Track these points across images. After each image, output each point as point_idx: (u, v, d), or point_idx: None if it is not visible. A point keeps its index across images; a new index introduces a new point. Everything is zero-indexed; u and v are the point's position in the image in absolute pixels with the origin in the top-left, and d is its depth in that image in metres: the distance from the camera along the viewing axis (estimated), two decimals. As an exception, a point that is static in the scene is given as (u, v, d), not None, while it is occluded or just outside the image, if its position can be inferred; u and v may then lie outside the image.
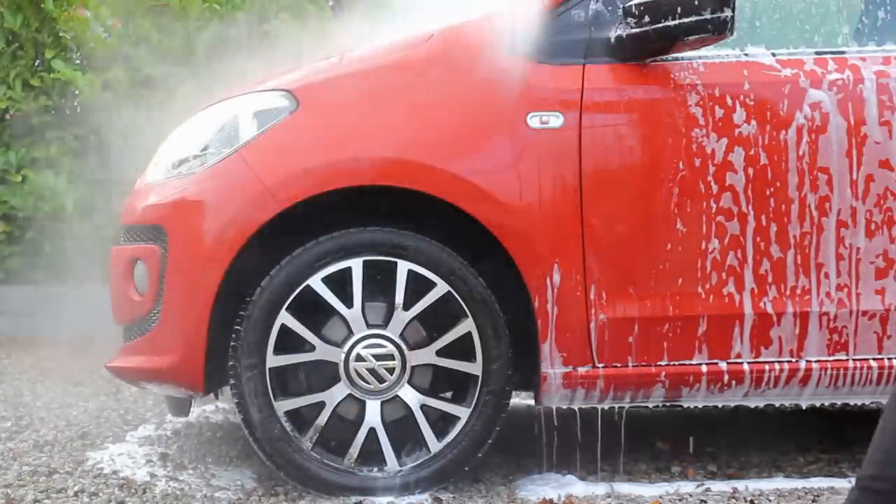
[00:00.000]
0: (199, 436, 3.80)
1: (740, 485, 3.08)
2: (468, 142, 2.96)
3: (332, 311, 2.95)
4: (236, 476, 3.24)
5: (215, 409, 4.25)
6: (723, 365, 2.99)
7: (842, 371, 3.00)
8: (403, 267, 2.94)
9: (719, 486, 3.08)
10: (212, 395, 3.29)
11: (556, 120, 2.97)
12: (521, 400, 3.97)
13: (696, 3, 2.86)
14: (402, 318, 2.95)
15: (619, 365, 2.99)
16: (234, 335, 2.95)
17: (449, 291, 2.94)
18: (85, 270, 6.48)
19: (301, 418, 2.99)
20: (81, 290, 6.48)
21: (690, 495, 3.01)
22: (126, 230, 3.25)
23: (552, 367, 2.97)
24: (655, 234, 2.97)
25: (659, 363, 2.99)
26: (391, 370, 2.95)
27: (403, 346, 2.95)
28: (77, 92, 6.31)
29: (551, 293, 2.94)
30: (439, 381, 3.05)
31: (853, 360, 3.00)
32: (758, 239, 2.98)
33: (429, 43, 3.10)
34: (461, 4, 3.22)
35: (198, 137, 3.14)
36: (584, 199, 2.95)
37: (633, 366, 2.99)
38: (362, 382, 2.95)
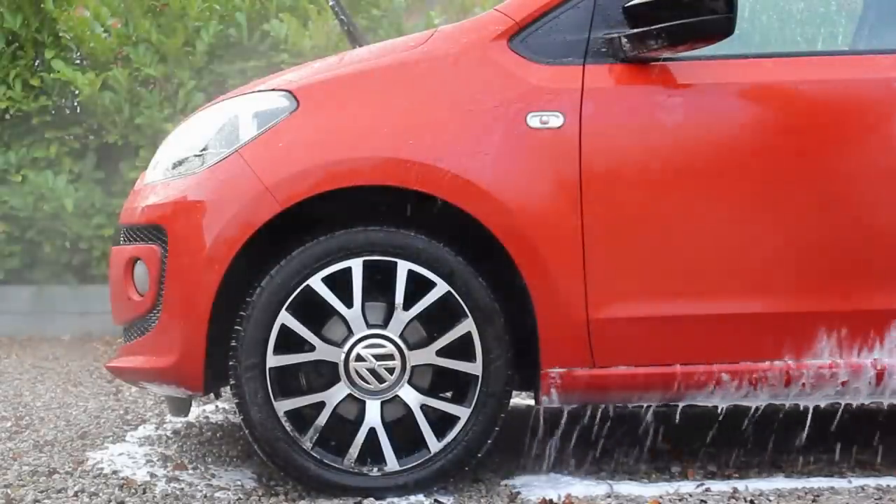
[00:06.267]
0: (199, 436, 3.80)
1: (740, 485, 3.08)
2: (468, 142, 2.96)
3: (332, 311, 2.95)
4: (236, 476, 3.24)
5: (215, 409, 4.26)
6: (722, 366, 2.99)
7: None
8: (403, 267, 2.94)
9: (719, 486, 3.08)
10: (212, 395, 3.29)
11: (556, 120, 2.97)
12: (521, 400, 3.97)
13: (697, 3, 2.86)
14: (402, 318, 2.95)
15: (618, 365, 2.99)
16: (234, 335, 2.95)
17: (449, 291, 2.94)
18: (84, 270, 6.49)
19: (301, 418, 2.99)
20: (81, 290, 6.50)
21: (690, 495, 3.01)
22: (126, 230, 3.25)
23: (552, 367, 2.97)
24: (656, 234, 2.97)
25: (659, 364, 2.99)
26: (391, 370, 2.95)
27: (403, 346, 2.95)
28: (77, 92, 6.31)
29: (551, 293, 2.94)
30: (439, 381, 3.05)
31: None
32: (759, 240, 2.97)
33: (428, 43, 3.10)
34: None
35: (197, 137, 3.14)
36: (584, 199, 2.94)
37: (632, 366, 2.99)
38: (362, 382, 2.95)
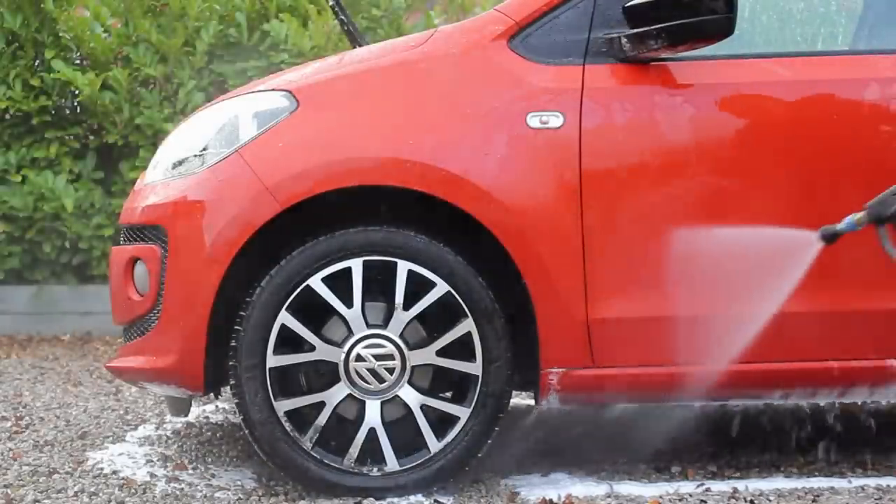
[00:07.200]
0: (199, 436, 3.80)
1: (740, 485, 3.08)
2: (468, 142, 2.96)
3: (332, 311, 2.95)
4: (236, 476, 3.24)
5: (215, 409, 4.25)
6: (722, 366, 2.99)
7: None
8: (403, 267, 2.94)
9: (719, 486, 3.08)
10: (212, 395, 3.29)
11: (556, 120, 2.97)
12: (521, 400, 3.97)
13: (697, 3, 2.86)
14: (402, 318, 2.95)
15: (618, 365, 2.98)
16: (234, 335, 2.95)
17: (449, 291, 2.94)
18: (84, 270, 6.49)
19: (301, 418, 2.99)
20: (81, 290, 6.49)
21: (690, 495, 3.01)
22: (126, 230, 3.25)
23: (552, 368, 2.97)
24: (655, 234, 2.97)
25: (658, 364, 2.99)
26: (391, 370, 2.95)
27: (403, 346, 2.95)
28: (77, 92, 6.31)
29: (551, 293, 2.94)
30: (439, 382, 3.05)
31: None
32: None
33: (428, 43, 3.10)
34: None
35: (197, 137, 3.14)
36: (583, 200, 2.94)
37: (632, 366, 2.99)
38: (362, 382, 2.95)
